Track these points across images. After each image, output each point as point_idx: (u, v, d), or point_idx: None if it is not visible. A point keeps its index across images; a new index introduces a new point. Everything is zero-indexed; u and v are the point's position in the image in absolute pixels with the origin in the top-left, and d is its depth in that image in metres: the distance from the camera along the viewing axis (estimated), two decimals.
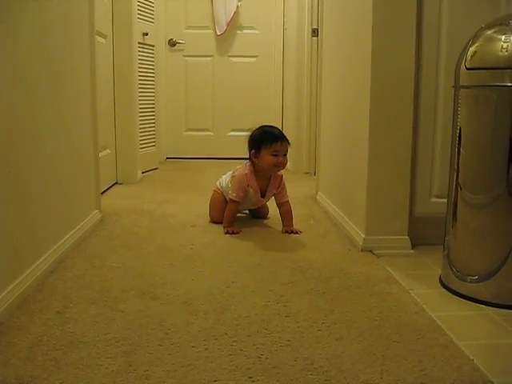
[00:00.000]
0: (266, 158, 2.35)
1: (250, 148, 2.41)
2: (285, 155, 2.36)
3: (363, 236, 2.11)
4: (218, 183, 2.61)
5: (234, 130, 4.82)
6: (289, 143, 2.38)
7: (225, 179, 2.57)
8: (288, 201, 2.46)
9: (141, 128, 3.93)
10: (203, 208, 2.82)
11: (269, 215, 2.67)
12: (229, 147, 4.73)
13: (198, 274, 1.85)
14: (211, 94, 4.90)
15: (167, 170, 4.32)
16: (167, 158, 4.90)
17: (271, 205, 2.60)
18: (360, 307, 1.56)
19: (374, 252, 2.08)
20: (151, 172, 4.16)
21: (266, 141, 2.35)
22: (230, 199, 2.42)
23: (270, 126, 2.46)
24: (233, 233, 2.34)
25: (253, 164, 2.42)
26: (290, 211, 2.46)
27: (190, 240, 2.27)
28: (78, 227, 2.22)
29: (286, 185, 2.48)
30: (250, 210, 2.68)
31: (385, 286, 1.73)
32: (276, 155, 2.34)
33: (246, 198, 2.45)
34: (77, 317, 1.47)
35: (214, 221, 2.56)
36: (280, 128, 2.55)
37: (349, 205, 2.38)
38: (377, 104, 2.03)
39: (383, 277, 1.82)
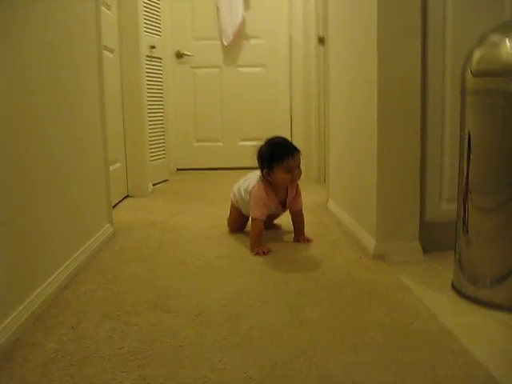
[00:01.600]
0: (280, 176, 2.28)
1: (262, 167, 2.34)
2: (298, 167, 2.29)
3: (374, 243, 2.11)
4: (231, 196, 2.58)
5: (243, 140, 4.83)
6: (300, 153, 2.31)
7: (238, 191, 2.52)
8: (301, 209, 2.44)
9: (150, 140, 3.95)
10: (215, 219, 2.83)
11: (281, 224, 2.66)
12: (239, 157, 4.74)
13: (211, 285, 1.86)
14: (220, 104, 4.92)
15: (178, 182, 4.34)
16: (178, 169, 4.92)
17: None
18: (372, 316, 1.56)
19: (386, 259, 2.07)
20: (162, 184, 4.18)
21: (277, 159, 2.27)
22: (254, 219, 2.34)
23: (277, 141, 2.37)
24: (263, 253, 2.22)
25: (266, 179, 2.35)
26: (302, 219, 2.45)
27: (202, 251, 2.28)
28: (90, 241, 2.23)
29: None
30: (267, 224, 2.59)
31: (397, 293, 1.73)
32: (290, 171, 2.28)
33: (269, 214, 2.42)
34: (91, 331, 1.49)
35: (231, 231, 2.60)
36: (288, 137, 2.51)
37: (359, 212, 2.39)
38: (384, 111, 2.03)
39: (395, 284, 1.82)
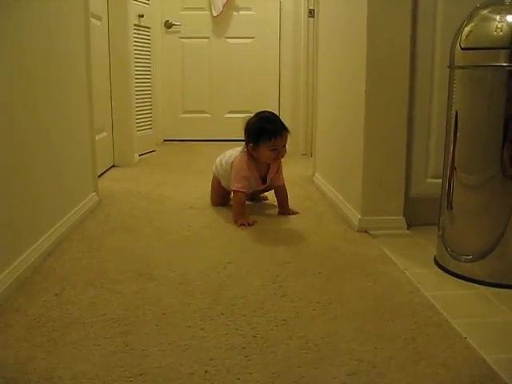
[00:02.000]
0: (265, 153, 2.27)
1: (247, 140, 2.32)
2: (284, 146, 2.28)
3: (359, 217, 2.12)
4: (214, 168, 2.57)
5: (230, 112, 4.80)
6: (288, 132, 2.29)
7: (220, 163, 2.51)
8: (284, 184, 2.44)
9: (137, 110, 3.92)
10: (201, 190, 2.83)
11: (266, 196, 2.66)
12: (226, 129, 4.71)
13: (195, 255, 1.86)
14: (208, 75, 4.88)
15: (164, 153, 4.32)
16: (164, 140, 4.88)
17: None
18: (355, 287, 1.57)
19: (370, 232, 2.09)
20: (148, 154, 4.16)
21: (264, 136, 2.24)
22: (235, 191, 2.33)
23: (267, 116, 2.34)
24: (248, 224, 2.21)
25: (250, 152, 2.34)
26: (285, 194, 2.45)
27: (187, 222, 2.28)
28: (75, 210, 2.22)
29: (284, 167, 2.46)
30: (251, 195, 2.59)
31: (380, 265, 1.75)
32: (275, 149, 2.26)
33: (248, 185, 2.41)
34: (74, 298, 1.49)
35: (214, 204, 2.57)
36: (276, 110, 2.51)
37: (345, 186, 2.39)
38: (372, 85, 2.02)
39: (378, 257, 1.83)
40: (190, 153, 4.33)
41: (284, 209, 2.44)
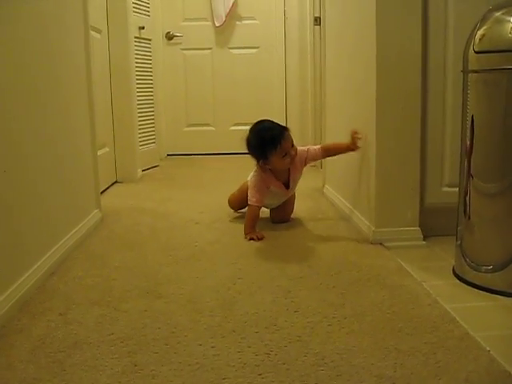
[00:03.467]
0: (278, 161, 2.28)
1: (256, 158, 2.33)
2: (292, 145, 2.30)
3: (373, 228, 2.12)
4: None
5: (236, 125, 4.82)
6: (289, 130, 2.30)
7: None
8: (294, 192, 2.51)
9: (140, 125, 3.94)
10: (205, 205, 2.83)
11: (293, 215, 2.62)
12: (231, 142, 4.72)
13: (203, 271, 1.86)
14: (211, 87, 4.90)
15: (168, 167, 4.34)
16: (168, 154, 4.91)
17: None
18: (371, 300, 1.56)
19: (385, 244, 2.08)
20: (152, 170, 4.17)
21: (269, 147, 2.26)
22: (250, 205, 2.35)
23: (262, 126, 2.32)
24: (257, 239, 2.22)
25: (263, 168, 2.35)
26: (292, 201, 2.56)
27: (193, 238, 2.28)
28: (78, 227, 2.22)
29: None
30: (272, 215, 2.56)
31: (396, 278, 1.74)
32: (286, 153, 2.27)
33: (270, 197, 2.41)
34: (79, 318, 1.48)
35: (231, 206, 2.66)
36: (282, 121, 2.53)
37: (357, 197, 2.39)
38: (383, 92, 2.03)
39: (394, 269, 1.82)
40: (194, 167, 4.35)
41: (285, 217, 2.52)
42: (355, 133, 2.25)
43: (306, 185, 3.19)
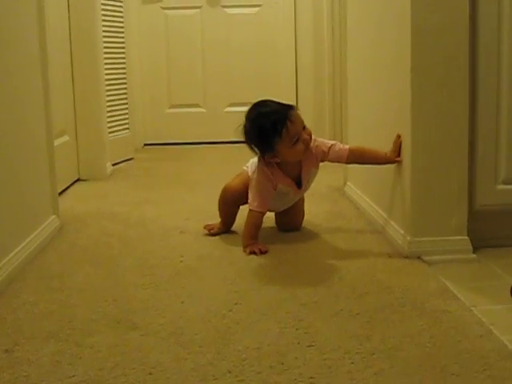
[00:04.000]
0: (289, 151, 2.25)
1: (260, 152, 2.32)
2: (304, 127, 2.26)
3: (408, 238, 2.12)
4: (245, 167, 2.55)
5: (232, 105, 4.83)
6: (296, 108, 2.28)
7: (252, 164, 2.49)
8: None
9: (109, 106, 3.95)
10: (195, 209, 2.84)
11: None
12: (226, 127, 4.68)
13: (190, 295, 1.86)
14: (201, 57, 4.90)
15: (146, 161, 4.35)
16: (145, 144, 4.91)
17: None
18: (406, 331, 1.56)
19: (424, 258, 2.08)
20: (125, 163, 4.18)
21: (274, 135, 2.22)
22: (251, 210, 2.35)
23: (260, 111, 2.29)
24: (260, 252, 2.23)
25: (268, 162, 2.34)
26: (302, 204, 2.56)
27: (178, 251, 2.28)
28: (29, 239, 2.22)
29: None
30: (278, 221, 2.58)
31: (439, 302, 1.74)
32: (297, 139, 2.24)
33: (277, 198, 2.40)
34: (31, 356, 1.48)
35: (228, 196, 2.49)
36: (294, 102, 2.49)
37: (388, 198, 2.39)
38: (420, 61, 2.02)
39: (436, 290, 1.82)
40: (179, 160, 4.36)
41: (295, 224, 2.54)
42: (399, 137, 2.21)
43: (321, 182, 3.19)
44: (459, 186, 2.09)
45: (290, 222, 2.53)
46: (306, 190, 2.46)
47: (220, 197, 2.51)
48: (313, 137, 2.31)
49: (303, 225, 2.56)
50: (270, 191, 2.34)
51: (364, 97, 2.77)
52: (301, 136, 2.24)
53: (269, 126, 2.22)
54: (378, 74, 2.50)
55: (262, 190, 2.34)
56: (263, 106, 2.31)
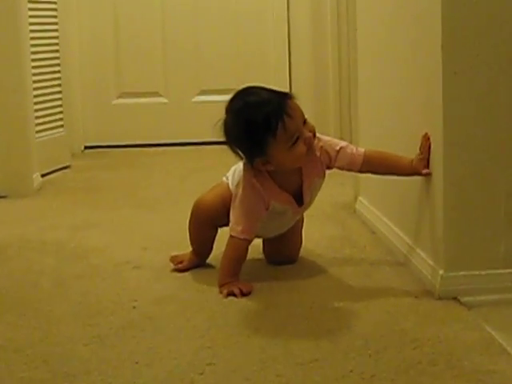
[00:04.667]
0: (287, 156, 2.22)
1: (246, 157, 2.30)
2: (305, 121, 2.23)
3: (441, 272, 2.12)
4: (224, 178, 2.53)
5: (203, 93, 4.84)
6: (294, 97, 2.26)
7: (234, 173, 2.47)
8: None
9: (36, 97, 3.94)
10: (155, 235, 2.84)
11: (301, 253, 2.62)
12: (197, 123, 4.72)
13: (148, 352, 1.86)
14: (160, 30, 4.90)
15: (87, 169, 4.36)
16: (86, 147, 4.90)
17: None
18: None
19: (462, 299, 2.09)
20: (58, 173, 4.19)
21: (267, 131, 2.19)
22: (234, 237, 2.31)
23: (246, 101, 2.27)
24: (241, 294, 2.23)
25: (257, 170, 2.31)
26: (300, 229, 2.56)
27: (130, 293, 2.29)
28: None
29: None
30: (267, 250, 2.58)
31: (482, 359, 1.74)
32: (296, 138, 2.20)
33: (270, 222, 2.39)
34: None
35: (202, 215, 2.49)
36: (287, 89, 2.46)
37: (413, 218, 2.40)
38: (454, 35, 2.04)
39: (479, 343, 1.83)
40: (133, 169, 4.38)
41: (289, 254, 2.53)
42: (428, 139, 2.20)
43: (325, 196, 3.19)
44: (508, 202, 2.11)
45: (283, 250, 2.53)
46: (307, 208, 2.46)
47: (191, 216, 2.51)
48: (317, 134, 2.30)
49: (300, 254, 2.57)
50: (260, 211, 2.32)
51: (377, 86, 2.78)
52: (302, 134, 2.21)
53: (259, 121, 2.19)
54: (397, 53, 2.52)
55: (249, 209, 2.31)
56: (251, 94, 2.30)
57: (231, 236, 2.33)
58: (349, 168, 2.38)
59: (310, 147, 2.24)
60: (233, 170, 2.46)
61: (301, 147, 2.21)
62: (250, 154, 2.28)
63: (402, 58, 2.47)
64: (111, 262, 2.59)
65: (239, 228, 2.30)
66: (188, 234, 2.51)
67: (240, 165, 2.40)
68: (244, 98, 2.28)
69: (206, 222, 2.47)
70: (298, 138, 2.20)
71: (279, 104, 2.21)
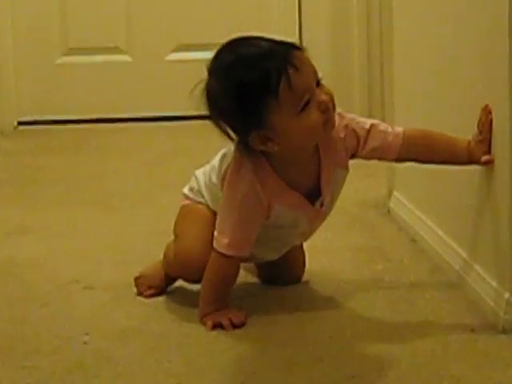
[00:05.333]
0: (297, 125, 2.15)
1: (240, 130, 2.24)
2: (318, 83, 2.17)
3: (506, 296, 2.12)
4: (187, 189, 2.51)
5: (179, 49, 4.85)
6: (304, 49, 2.21)
7: (205, 173, 2.45)
8: None
9: None
10: (112, 243, 2.83)
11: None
12: (170, 89, 4.73)
13: None
14: None
15: (20, 154, 4.38)
16: (20, 123, 4.91)
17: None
18: None
19: None
20: None
21: (266, 91, 2.14)
22: (218, 253, 2.28)
23: (242, 54, 2.21)
24: (232, 326, 2.23)
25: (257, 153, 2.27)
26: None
27: (81, 324, 2.29)
28: None
29: None
30: (262, 274, 2.60)
31: None
32: (308, 100, 2.14)
33: (274, 239, 2.39)
34: None
35: (185, 273, 2.46)
36: (265, 36, 2.38)
37: (468, 223, 2.40)
38: None
39: None
40: (83, 153, 4.40)
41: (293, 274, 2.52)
42: (489, 113, 2.18)
43: (349, 192, 3.21)
44: None
45: (284, 271, 2.53)
46: (328, 214, 2.41)
47: (170, 263, 2.48)
48: (337, 110, 2.25)
49: (314, 271, 2.57)
50: (256, 218, 2.28)
51: (420, 51, 2.79)
52: (314, 95, 2.15)
53: (255, 78, 2.15)
54: (447, 8, 2.52)
55: (241, 215, 2.27)
56: (245, 44, 2.26)
57: (215, 251, 2.29)
58: (382, 154, 2.33)
59: (328, 117, 2.16)
60: (211, 166, 2.44)
61: (314, 114, 2.13)
62: (244, 126, 2.20)
63: (452, 12, 2.48)
64: (54, 281, 2.59)
65: (225, 241, 2.26)
66: (163, 261, 2.50)
67: (227, 150, 2.39)
68: (236, 50, 2.23)
69: (191, 276, 2.44)
70: (309, 101, 2.14)
71: (282, 55, 2.15)
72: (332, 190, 2.33)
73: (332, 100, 2.16)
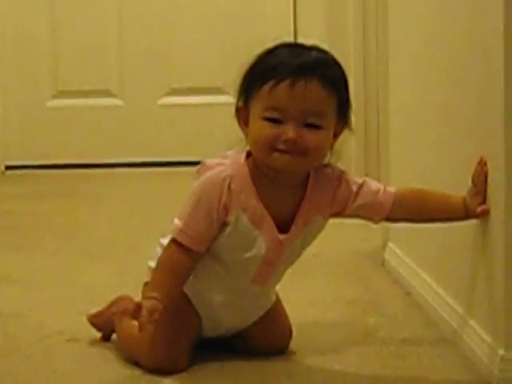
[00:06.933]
0: (253, 126, 2.22)
1: (238, 94, 2.30)
2: (311, 125, 2.16)
3: (501, 352, 2.12)
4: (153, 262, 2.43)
5: (172, 93, 4.85)
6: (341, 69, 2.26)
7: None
8: None
9: None
10: (99, 293, 2.83)
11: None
12: (162, 134, 4.73)
13: None
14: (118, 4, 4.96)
15: (6, 199, 4.40)
16: (7, 167, 4.91)
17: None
18: None
19: None
20: None
21: (257, 78, 2.21)
22: (172, 238, 2.25)
23: (291, 49, 2.28)
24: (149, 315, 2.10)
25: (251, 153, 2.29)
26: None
27: (64, 377, 2.28)
28: None
29: None
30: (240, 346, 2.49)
31: None
32: (275, 121, 2.17)
33: (223, 270, 2.32)
34: None
35: (159, 361, 2.34)
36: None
37: (463, 277, 2.41)
38: None
39: None
40: (70, 198, 4.42)
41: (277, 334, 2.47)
42: (484, 165, 2.20)
43: (342, 242, 3.23)
44: None
45: (268, 335, 2.45)
46: (292, 259, 2.39)
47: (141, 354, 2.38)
48: (339, 167, 2.31)
49: (303, 326, 2.56)
50: (212, 213, 2.23)
51: (419, 91, 2.80)
52: (287, 121, 2.16)
53: (261, 65, 2.24)
54: (444, 53, 2.54)
55: (199, 202, 2.25)
56: (296, 46, 2.34)
57: (172, 240, 2.26)
58: (372, 213, 2.33)
59: (276, 145, 2.16)
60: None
61: (268, 131, 2.17)
62: (239, 92, 2.29)
63: (450, 55, 2.49)
64: (37, 333, 2.59)
65: (179, 225, 2.24)
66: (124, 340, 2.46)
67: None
68: (287, 43, 2.34)
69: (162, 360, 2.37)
70: (278, 121, 2.16)
71: (293, 70, 2.16)
72: (305, 233, 2.30)
73: (299, 144, 2.14)
